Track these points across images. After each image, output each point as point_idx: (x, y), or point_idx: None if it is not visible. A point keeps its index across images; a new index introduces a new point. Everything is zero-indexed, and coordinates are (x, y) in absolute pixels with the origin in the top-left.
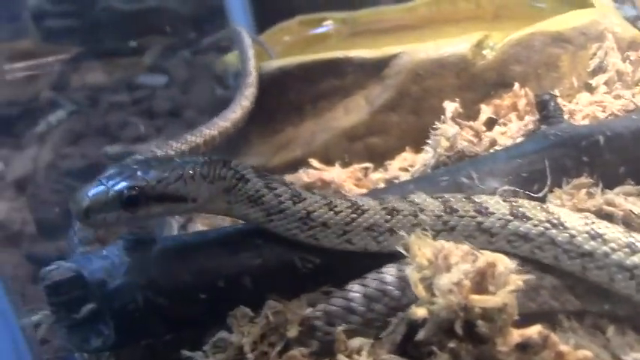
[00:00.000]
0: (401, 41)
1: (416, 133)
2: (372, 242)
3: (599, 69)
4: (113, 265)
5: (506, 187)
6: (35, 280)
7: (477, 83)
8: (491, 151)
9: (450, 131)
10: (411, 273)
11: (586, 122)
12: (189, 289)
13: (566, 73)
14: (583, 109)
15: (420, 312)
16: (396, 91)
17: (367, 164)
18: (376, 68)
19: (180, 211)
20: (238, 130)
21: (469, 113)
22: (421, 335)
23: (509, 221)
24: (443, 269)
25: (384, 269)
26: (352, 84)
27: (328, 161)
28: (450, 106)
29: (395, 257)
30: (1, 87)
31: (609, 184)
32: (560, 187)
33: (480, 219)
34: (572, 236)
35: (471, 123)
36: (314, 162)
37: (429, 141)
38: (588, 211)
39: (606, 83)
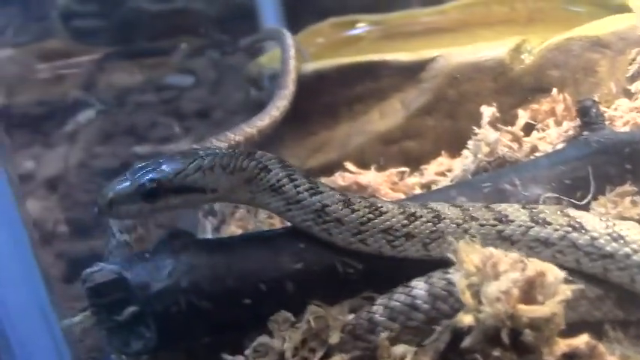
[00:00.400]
0: (433, 44)
1: (452, 138)
2: (387, 246)
3: (638, 74)
4: (156, 267)
5: (549, 194)
6: (68, 280)
7: (514, 88)
8: (532, 157)
9: (491, 137)
10: (459, 280)
11: (626, 129)
12: (231, 293)
13: (605, 79)
14: (623, 116)
15: (466, 319)
16: (432, 95)
17: (403, 168)
18: (413, 71)
19: (200, 202)
20: (274, 130)
21: (505, 118)
22: (466, 343)
23: (530, 227)
24: (491, 277)
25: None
26: (388, 87)
27: (363, 165)
28: (488, 111)
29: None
30: (30, 86)
31: None
32: (603, 194)
33: (500, 227)
34: (594, 238)
35: (511, 128)
36: (349, 165)
37: (468, 146)
38: (632, 219)
39: None
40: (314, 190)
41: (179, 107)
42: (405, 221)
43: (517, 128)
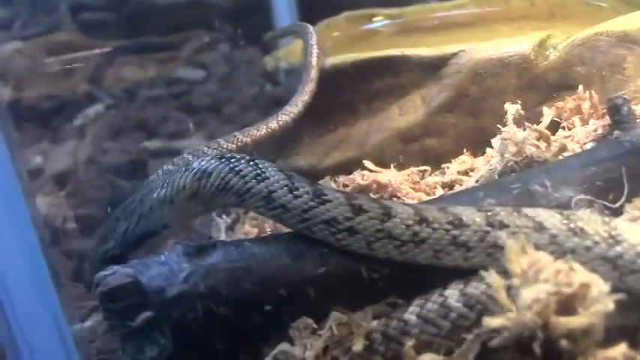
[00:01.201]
0: (452, 39)
1: (474, 136)
2: (331, 238)
3: None
4: (172, 271)
5: (581, 196)
6: (76, 279)
7: (538, 85)
8: (560, 157)
9: (519, 135)
10: (495, 277)
11: None
12: (250, 298)
13: (632, 76)
14: None
15: (494, 322)
16: (454, 91)
17: (424, 167)
18: (434, 67)
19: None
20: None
21: (529, 115)
22: (494, 343)
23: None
24: (531, 282)
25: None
26: (408, 83)
27: (382, 163)
28: (512, 109)
29: None
30: (38, 80)
31: None
32: (637, 196)
33: (456, 232)
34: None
35: (537, 127)
36: (368, 164)
37: (492, 144)
38: None
39: None
40: (260, 177)
41: (190, 102)
42: (350, 214)
43: (542, 126)
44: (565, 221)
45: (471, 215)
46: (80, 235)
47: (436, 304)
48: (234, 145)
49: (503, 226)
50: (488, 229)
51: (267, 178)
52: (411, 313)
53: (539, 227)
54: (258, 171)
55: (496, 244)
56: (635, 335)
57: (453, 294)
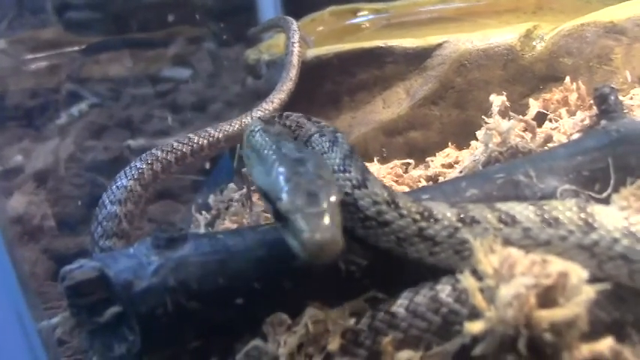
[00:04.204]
0: (438, 33)
1: (459, 128)
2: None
3: None
4: (141, 264)
5: (567, 187)
6: (55, 277)
7: (524, 76)
8: (546, 147)
9: (504, 125)
10: (468, 280)
11: None
12: (222, 293)
13: (620, 67)
14: None
15: (475, 327)
16: (438, 83)
17: (407, 160)
18: (418, 58)
19: None
20: None
21: (515, 107)
22: (478, 350)
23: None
24: (507, 280)
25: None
26: (392, 75)
27: (366, 156)
28: (497, 100)
29: None
30: (23, 78)
31: None
32: (624, 186)
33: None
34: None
35: (523, 117)
36: None
37: (478, 135)
38: None
39: None
40: None
41: (175, 100)
42: None
43: (529, 118)
44: (539, 212)
45: (443, 210)
46: (58, 233)
47: (426, 298)
48: (205, 141)
49: (474, 222)
50: (459, 225)
51: None
52: (399, 306)
53: (512, 222)
54: None
55: (465, 241)
56: (623, 330)
57: (444, 288)
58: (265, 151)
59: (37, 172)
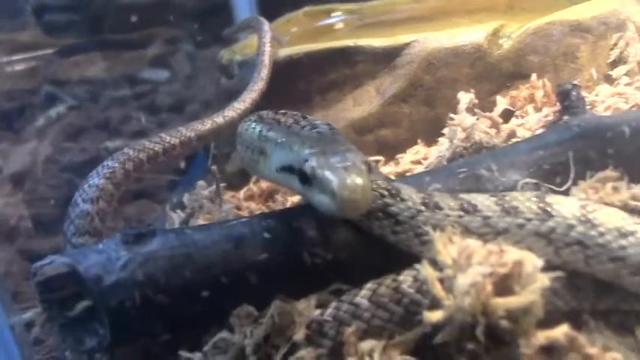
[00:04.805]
0: (412, 32)
1: (428, 125)
2: None
3: (620, 60)
4: (110, 260)
5: (527, 180)
6: (30, 278)
7: (492, 74)
8: (510, 143)
9: (468, 121)
10: (427, 270)
11: (608, 114)
12: (190, 286)
13: (585, 64)
14: (605, 101)
15: (434, 316)
16: (408, 81)
17: (378, 157)
18: (388, 57)
19: None
20: None
21: (484, 105)
22: (439, 339)
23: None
24: (465, 269)
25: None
26: (362, 74)
27: None
28: (465, 97)
29: None
30: (1, 81)
31: (634, 178)
32: (583, 179)
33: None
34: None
35: (489, 114)
36: None
37: (444, 132)
38: (613, 205)
39: (627, 74)
40: None
41: (153, 102)
42: None
43: (495, 114)
44: (499, 202)
45: (409, 192)
46: (35, 234)
47: (389, 289)
48: (177, 140)
49: (437, 207)
50: (422, 208)
51: None
52: (362, 297)
53: (473, 210)
54: None
55: (426, 224)
56: (580, 318)
57: (406, 280)
58: (277, 135)
59: (14, 173)
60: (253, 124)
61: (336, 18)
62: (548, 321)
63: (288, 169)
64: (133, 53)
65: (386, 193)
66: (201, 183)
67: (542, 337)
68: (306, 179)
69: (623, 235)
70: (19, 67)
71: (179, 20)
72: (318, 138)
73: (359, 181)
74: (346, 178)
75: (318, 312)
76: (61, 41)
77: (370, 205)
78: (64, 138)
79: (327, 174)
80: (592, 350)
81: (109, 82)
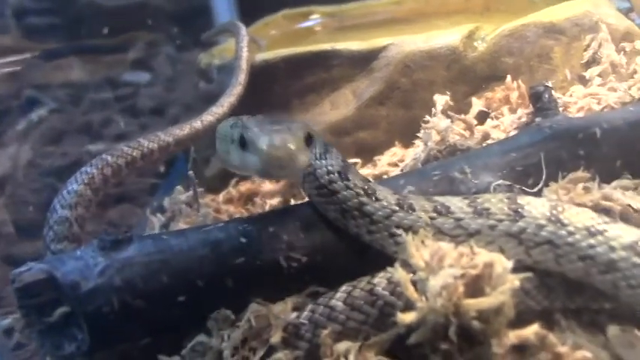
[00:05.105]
0: (389, 35)
1: (405, 127)
2: None
3: (593, 61)
4: (87, 266)
5: (500, 182)
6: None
7: (467, 76)
8: (484, 145)
9: (442, 124)
10: (399, 273)
11: (581, 115)
12: (167, 291)
13: (560, 65)
14: (578, 102)
15: (407, 318)
16: (384, 84)
17: (355, 159)
18: (364, 61)
19: None
20: None
21: (460, 106)
22: (412, 339)
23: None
24: (437, 271)
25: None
26: (339, 77)
27: None
28: (441, 100)
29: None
30: None
31: (606, 178)
32: (556, 181)
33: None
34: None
35: (463, 116)
36: None
37: (419, 135)
38: (585, 206)
39: (600, 75)
40: None
41: (135, 104)
42: None
43: (471, 116)
44: (472, 204)
45: (385, 193)
46: (17, 239)
47: (364, 291)
48: (155, 145)
49: (411, 208)
50: (397, 208)
51: None
52: (337, 300)
53: (446, 212)
54: None
55: (400, 225)
56: (552, 317)
57: (380, 282)
58: (246, 123)
59: None
60: (230, 120)
61: (315, 20)
62: (521, 321)
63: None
64: (113, 56)
65: (362, 192)
66: (178, 188)
67: (513, 336)
68: (244, 144)
69: (592, 234)
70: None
71: (159, 23)
72: (274, 121)
73: (285, 141)
74: (274, 137)
75: (294, 315)
76: (41, 45)
77: (299, 168)
78: (45, 142)
79: (258, 134)
80: (562, 349)
81: (90, 84)
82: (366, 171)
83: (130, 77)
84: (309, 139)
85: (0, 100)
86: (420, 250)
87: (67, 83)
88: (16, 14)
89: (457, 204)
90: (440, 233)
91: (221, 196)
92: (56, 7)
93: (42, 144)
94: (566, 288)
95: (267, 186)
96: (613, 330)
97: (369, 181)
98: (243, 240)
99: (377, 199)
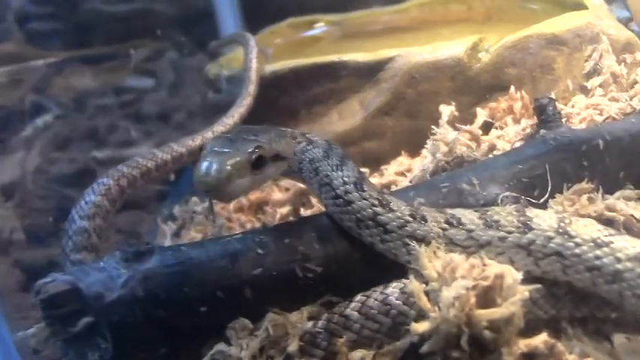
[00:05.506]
0: (394, 43)
1: (411, 137)
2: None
3: (594, 71)
4: (110, 277)
5: (507, 193)
6: (25, 289)
7: (472, 86)
8: (491, 156)
9: (450, 136)
10: (413, 284)
11: (583, 126)
12: (188, 301)
13: (562, 76)
14: (580, 112)
15: (420, 327)
16: (391, 95)
17: (363, 169)
18: (371, 72)
19: (278, 173)
20: None
21: (464, 117)
22: (425, 348)
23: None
24: (449, 283)
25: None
26: (347, 88)
27: None
28: (446, 110)
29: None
30: None
31: (609, 189)
32: (560, 192)
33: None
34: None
35: (469, 127)
36: None
37: (426, 145)
38: (589, 216)
39: (601, 86)
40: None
41: (139, 110)
42: None
43: (476, 127)
44: (482, 216)
45: (398, 203)
46: (27, 246)
47: (377, 301)
48: (169, 156)
49: (423, 219)
50: (410, 219)
51: None
52: (352, 309)
53: (458, 223)
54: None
55: (413, 235)
56: (559, 325)
57: (393, 292)
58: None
59: (4, 185)
60: None
61: (320, 29)
62: (530, 329)
63: None
64: (117, 61)
65: (377, 202)
66: (194, 199)
67: (523, 345)
68: None
69: (599, 245)
70: (3, 78)
71: (163, 29)
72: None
73: (214, 165)
74: (206, 164)
75: (310, 324)
76: (44, 51)
77: (228, 196)
78: (52, 148)
79: (201, 157)
80: (570, 357)
81: (93, 90)
82: (374, 180)
83: (133, 83)
84: (259, 161)
85: (4, 107)
86: (433, 261)
87: (70, 89)
88: (18, 20)
89: (468, 216)
90: (452, 244)
91: (231, 205)
92: (59, 13)
93: (49, 150)
94: (573, 297)
95: (277, 195)
96: (618, 338)
97: (384, 192)
98: (260, 251)
99: (391, 210)
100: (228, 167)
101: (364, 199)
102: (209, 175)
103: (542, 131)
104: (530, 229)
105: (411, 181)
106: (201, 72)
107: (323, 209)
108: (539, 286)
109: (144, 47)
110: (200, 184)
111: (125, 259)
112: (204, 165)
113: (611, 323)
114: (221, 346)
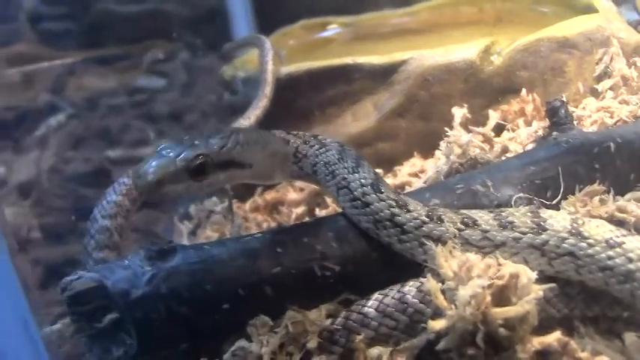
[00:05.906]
0: (405, 45)
1: (424, 139)
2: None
3: (605, 74)
4: (135, 275)
5: (520, 195)
6: (44, 286)
7: (484, 89)
8: (503, 158)
9: (464, 138)
10: (430, 283)
11: (594, 128)
12: (210, 299)
13: (573, 79)
14: (591, 115)
15: (437, 325)
16: (404, 97)
17: (377, 170)
18: (385, 74)
19: (240, 179)
20: None
21: (477, 119)
22: (441, 345)
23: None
24: (465, 282)
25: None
26: (360, 90)
27: None
28: (459, 112)
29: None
30: None
31: (620, 191)
32: (572, 193)
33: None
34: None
35: (482, 129)
36: None
37: (440, 147)
38: (601, 217)
39: (612, 88)
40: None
41: (151, 110)
42: None
43: (488, 129)
44: (497, 217)
45: (416, 205)
46: (45, 243)
47: (394, 299)
48: None
49: (440, 220)
50: (427, 220)
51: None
52: (370, 307)
53: (473, 224)
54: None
55: (430, 235)
56: (572, 324)
57: (410, 290)
58: None
59: (21, 184)
60: None
61: (332, 31)
62: (543, 327)
63: None
64: (128, 61)
65: (394, 203)
66: (213, 199)
67: (537, 342)
68: None
69: (611, 246)
70: (16, 78)
71: (174, 29)
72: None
73: (149, 169)
74: (144, 162)
75: (328, 321)
76: (57, 50)
77: (161, 196)
78: (66, 147)
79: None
80: (583, 354)
81: (105, 90)
82: (388, 181)
83: (145, 83)
84: (200, 168)
85: (17, 106)
86: (449, 261)
87: (83, 89)
88: (31, 20)
89: (483, 217)
90: (467, 244)
91: (247, 205)
92: (71, 13)
93: (63, 149)
94: (585, 297)
95: (292, 195)
96: (630, 337)
97: (400, 194)
98: (279, 250)
99: (408, 211)
100: (161, 173)
101: (382, 200)
102: (140, 177)
103: (554, 133)
104: (544, 229)
105: (424, 182)
106: (213, 73)
107: (338, 210)
108: (553, 285)
109: (156, 48)
110: (134, 184)
111: (149, 257)
112: (142, 166)
113: (623, 322)
114: (242, 343)
